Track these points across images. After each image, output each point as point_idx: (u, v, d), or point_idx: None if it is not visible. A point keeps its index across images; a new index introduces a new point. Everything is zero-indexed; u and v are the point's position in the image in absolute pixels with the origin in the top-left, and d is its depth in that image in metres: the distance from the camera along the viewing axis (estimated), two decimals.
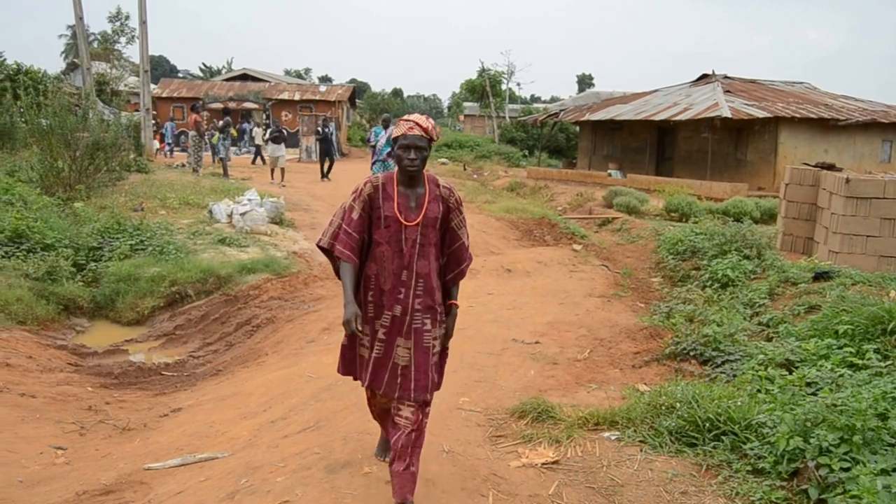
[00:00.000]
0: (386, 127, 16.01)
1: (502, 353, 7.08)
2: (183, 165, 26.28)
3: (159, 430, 6.36)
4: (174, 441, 5.89)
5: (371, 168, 15.44)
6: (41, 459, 5.68)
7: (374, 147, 16.42)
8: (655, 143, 30.26)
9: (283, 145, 23.34)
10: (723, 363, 6.70)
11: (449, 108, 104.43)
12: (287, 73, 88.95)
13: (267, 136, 22.83)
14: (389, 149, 15.04)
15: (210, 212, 14.97)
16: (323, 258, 13.00)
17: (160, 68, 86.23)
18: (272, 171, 23.43)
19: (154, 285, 10.75)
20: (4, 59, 31.55)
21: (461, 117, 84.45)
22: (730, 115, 23.54)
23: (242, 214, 14.17)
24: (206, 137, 24.69)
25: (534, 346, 7.42)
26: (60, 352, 8.68)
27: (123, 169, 19.69)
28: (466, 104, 77.47)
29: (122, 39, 44.76)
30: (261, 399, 6.56)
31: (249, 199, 14.88)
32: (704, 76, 31.81)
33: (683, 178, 25.42)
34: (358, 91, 67.98)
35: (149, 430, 6.41)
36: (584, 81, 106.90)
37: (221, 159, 24.47)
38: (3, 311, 9.20)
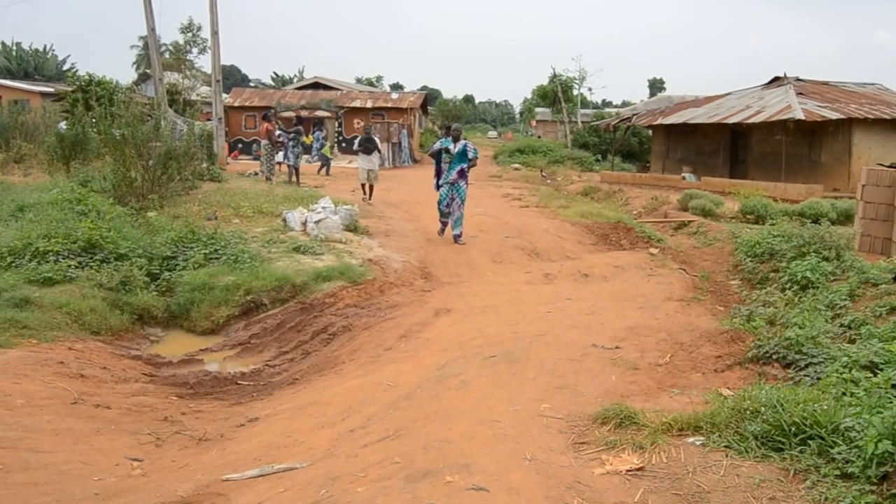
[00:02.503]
0: (455, 139, 15.11)
1: (583, 359, 6.99)
2: (255, 174, 26.85)
3: (236, 441, 6.43)
4: (251, 451, 5.95)
5: (436, 188, 15.33)
6: (117, 471, 5.75)
7: (435, 158, 15.45)
8: (729, 146, 30.02)
9: (376, 155, 20.68)
10: (806, 366, 6.59)
11: (521, 113, 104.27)
12: (358, 81, 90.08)
13: (355, 145, 20.86)
14: (461, 166, 14.93)
15: (284, 220, 15.23)
16: (398, 265, 13.10)
17: (231, 78, 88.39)
18: (364, 186, 20.61)
19: (229, 294, 10.94)
20: (76, 71, 32.74)
21: (533, 123, 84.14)
22: (803, 118, 23.54)
23: (317, 222, 14.36)
24: (289, 147, 25.02)
25: (614, 351, 7.31)
26: (135, 362, 8.84)
27: (196, 178, 20.15)
28: (538, 109, 77.14)
29: (194, 49, 45.90)
30: (339, 408, 6.60)
31: (324, 207, 15.07)
32: (776, 79, 31.22)
33: (758, 180, 25.20)
34: (429, 98, 68.39)
35: (225, 441, 6.48)
36: (656, 85, 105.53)
37: (290, 166, 24.91)
38: (77, 322, 9.44)
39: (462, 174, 15.03)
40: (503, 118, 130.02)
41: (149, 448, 6.31)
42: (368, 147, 20.24)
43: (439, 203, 15.35)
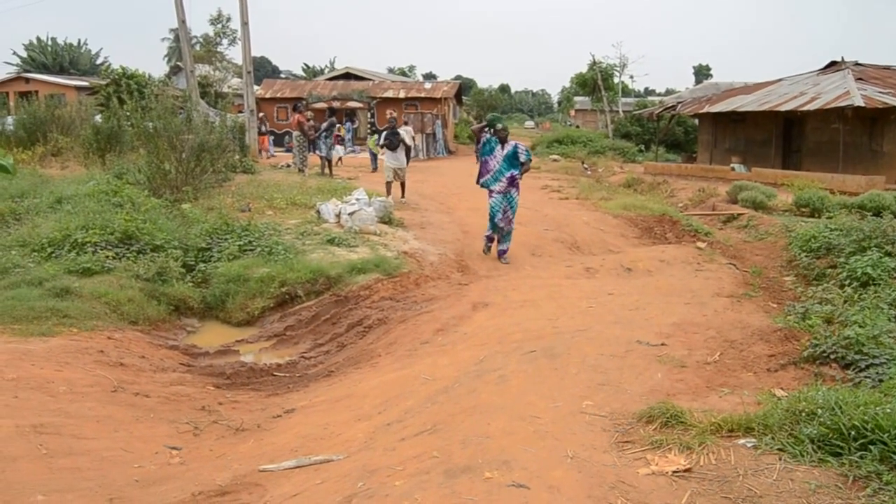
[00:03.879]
0: (502, 140, 13.13)
1: (626, 356, 6.95)
2: (288, 166, 27.05)
3: (273, 432, 6.51)
4: (288, 442, 6.02)
5: (481, 185, 13.40)
6: (156, 459, 5.89)
7: (479, 152, 13.67)
8: (781, 135, 29.27)
9: (401, 150, 19.20)
10: (867, 367, 6.39)
11: (559, 102, 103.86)
12: (390, 71, 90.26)
13: (380, 140, 19.54)
14: (511, 172, 13.09)
15: (318, 212, 15.36)
16: (434, 258, 13.15)
17: (262, 69, 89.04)
18: (389, 186, 18.85)
19: (263, 286, 11.07)
20: (110, 65, 33.24)
21: (572, 112, 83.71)
22: (863, 104, 22.71)
23: (351, 214, 14.48)
24: (322, 138, 25.15)
25: (659, 347, 7.25)
26: (172, 352, 9.02)
27: (229, 170, 20.39)
28: (577, 98, 76.69)
29: (224, 41, 46.34)
30: (375, 401, 6.64)
31: (357, 199, 15.17)
32: (833, 63, 30.50)
33: (813, 171, 24.57)
34: (464, 87, 68.35)
35: (262, 431, 6.58)
36: (701, 72, 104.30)
37: (323, 158, 25.06)
38: (115, 312, 9.64)
39: (513, 182, 13.20)
40: (540, 108, 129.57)
41: (187, 437, 6.43)
42: (393, 142, 18.97)
43: (492, 215, 13.41)
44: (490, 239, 13.81)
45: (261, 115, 37.29)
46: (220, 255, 12.05)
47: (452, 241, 14.64)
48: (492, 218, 13.40)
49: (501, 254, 13.53)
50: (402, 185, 19.06)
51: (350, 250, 12.92)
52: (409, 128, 35.45)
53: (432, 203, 19.10)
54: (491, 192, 13.24)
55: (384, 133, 19.47)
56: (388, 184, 18.81)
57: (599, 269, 12.36)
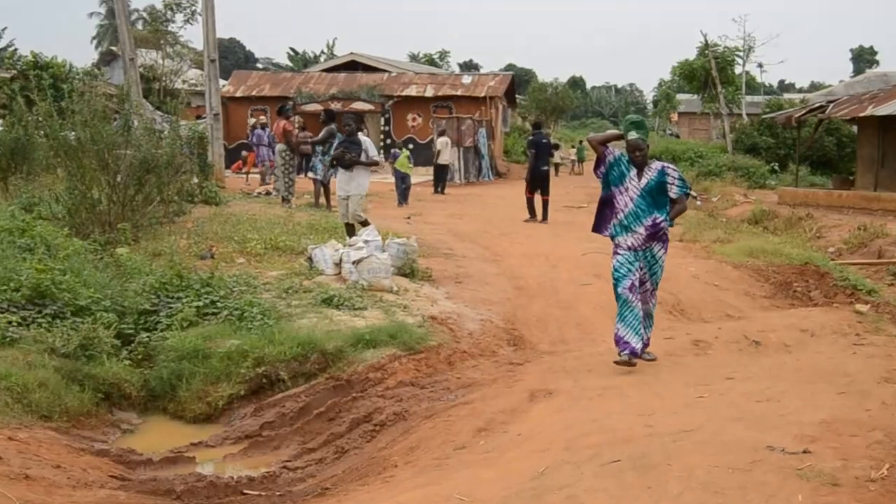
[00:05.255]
0: (639, 161, 11.03)
1: (752, 468, 6.92)
2: (268, 193, 27.36)
3: None
4: None
5: (601, 231, 11.49)
6: None
7: (603, 179, 11.34)
8: None
9: (362, 172, 17.72)
10: None
11: (655, 103, 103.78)
12: (413, 58, 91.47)
13: (318, 153, 19.64)
14: (654, 216, 10.96)
15: (309, 259, 15.55)
16: (475, 325, 13.20)
17: (231, 56, 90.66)
18: (349, 229, 17.76)
19: (231, 365, 11.16)
20: (15, 50, 33.85)
21: (673, 116, 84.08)
22: None
23: (356, 263, 14.61)
24: (317, 155, 25.42)
25: (801, 456, 7.21)
26: (100, 459, 9.00)
27: (184, 199, 20.62)
28: (681, 97, 77.08)
29: (178, 18, 47.03)
30: None
31: (366, 241, 15.31)
32: None
33: None
34: (518, 82, 68.81)
35: None
36: (863, 58, 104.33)
37: (318, 182, 25.29)
38: (20, 402, 9.60)
39: (657, 232, 11.11)
40: (627, 110, 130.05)
41: None
42: (345, 157, 17.56)
43: (617, 279, 11.22)
44: (623, 343, 11.00)
45: (258, 120, 37.44)
46: (171, 321, 12.15)
47: (500, 301, 14.71)
48: (615, 282, 11.22)
49: (636, 353, 11.07)
50: (349, 225, 17.82)
51: (355, 314, 13.04)
52: (446, 139, 35.95)
53: (472, 247, 19.24)
54: (618, 246, 11.22)
55: (339, 140, 18.45)
56: (347, 226, 17.83)
57: (713, 342, 12.32)
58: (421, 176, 36.18)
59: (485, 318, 13.64)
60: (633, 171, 11.10)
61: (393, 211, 25.71)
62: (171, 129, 19.83)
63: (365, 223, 17.36)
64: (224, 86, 43.36)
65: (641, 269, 11.18)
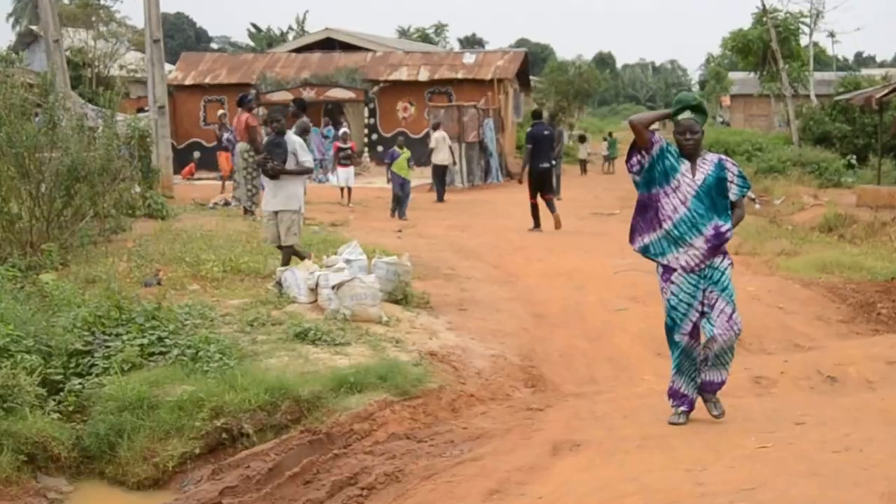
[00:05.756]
0: (689, 148, 10.28)
1: None
2: (226, 204, 27.38)
3: None
4: None
5: (649, 250, 10.42)
6: None
7: (641, 177, 10.62)
8: None
9: (295, 182, 16.78)
10: None
11: (702, 84, 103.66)
12: (403, 34, 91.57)
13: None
14: (714, 222, 10.21)
15: (279, 284, 15.58)
16: (484, 362, 13.22)
17: (180, 36, 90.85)
18: (287, 255, 16.95)
19: (184, 417, 11.13)
20: None
21: (725, 100, 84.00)
22: None
23: (337, 288, 14.61)
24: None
25: None
26: None
27: (124, 213, 20.61)
28: (734, 76, 77.07)
29: None
30: None
31: (348, 261, 15.32)
32: None
33: None
34: (533, 61, 68.87)
35: None
36: None
37: None
38: None
39: (721, 241, 10.38)
40: (667, 93, 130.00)
41: None
42: (270, 163, 16.71)
43: (673, 319, 10.52)
44: (680, 397, 10.61)
45: (220, 113, 37.50)
46: (109, 364, 12.11)
47: (515, 331, 14.74)
48: (670, 330, 10.56)
49: (707, 390, 10.56)
50: (287, 253, 16.99)
51: (336, 351, 13.05)
52: (442, 133, 35.92)
53: (479, 266, 19.27)
54: (667, 269, 10.43)
55: (266, 142, 17.75)
56: (287, 253, 17.04)
57: (779, 378, 12.34)
58: (416, 179, 36.17)
59: (496, 354, 13.66)
60: (686, 165, 10.33)
61: (381, 223, 25.74)
62: (106, 127, 19.79)
63: (300, 255, 16.82)
64: (171, 72, 43.34)
65: (709, 292, 10.24)
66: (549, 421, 11.20)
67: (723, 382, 10.55)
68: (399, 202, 29.86)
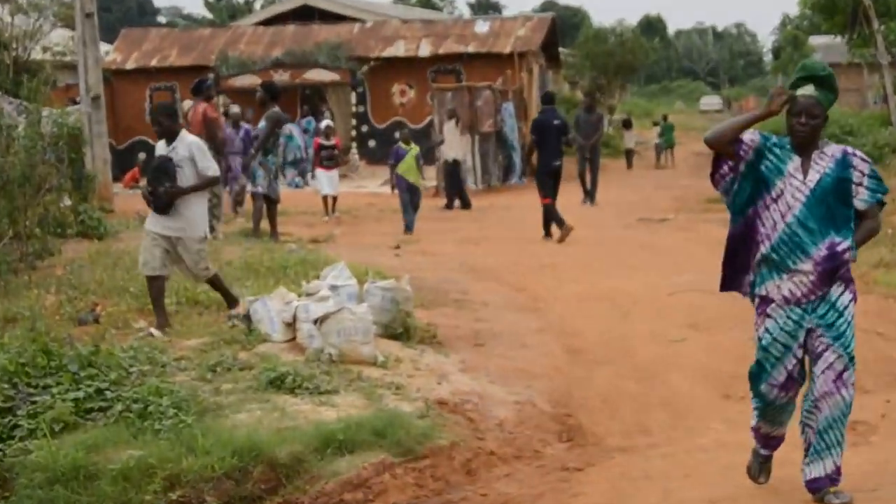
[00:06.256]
0: (804, 137, 8.64)
1: None
2: None
3: None
4: None
5: (736, 288, 9.88)
6: None
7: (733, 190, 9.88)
8: None
9: (194, 204, 15.74)
10: None
11: (776, 52, 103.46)
12: None
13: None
14: (830, 239, 9.27)
15: (247, 318, 15.43)
16: (507, 411, 13.15)
17: (119, 8, 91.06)
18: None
19: (131, 489, 11.04)
20: None
21: None
22: None
23: (320, 321, 14.49)
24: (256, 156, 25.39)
25: None
26: None
27: (51, 233, 20.58)
28: (815, 41, 77.12)
29: None
30: None
31: (333, 287, 15.26)
32: None
33: None
34: (563, 27, 68.85)
35: None
36: None
37: (258, 197, 25.21)
38: None
39: (836, 264, 9.42)
40: (732, 66, 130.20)
41: None
42: (158, 190, 16.02)
43: (761, 365, 9.61)
44: (768, 448, 10.05)
45: (229, 107, 37.06)
46: (36, 425, 12.06)
47: (545, 371, 14.69)
48: (756, 378, 9.70)
49: (815, 489, 9.52)
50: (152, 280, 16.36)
51: (320, 402, 12.90)
52: (452, 123, 35.84)
53: (498, 290, 19.24)
54: (764, 300, 9.57)
55: (154, 162, 16.78)
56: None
57: (879, 424, 12.35)
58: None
59: (522, 400, 13.59)
60: (795, 163, 9.39)
61: (374, 237, 25.70)
62: (29, 125, 19.83)
63: (229, 296, 16.50)
64: (108, 53, 43.49)
65: (816, 336, 9.28)
66: (590, 483, 11.15)
67: (835, 475, 9.34)
68: (408, 215, 29.30)
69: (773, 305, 9.27)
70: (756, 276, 9.45)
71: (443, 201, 35.28)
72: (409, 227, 28.98)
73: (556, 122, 27.59)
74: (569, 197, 33.71)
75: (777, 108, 9.14)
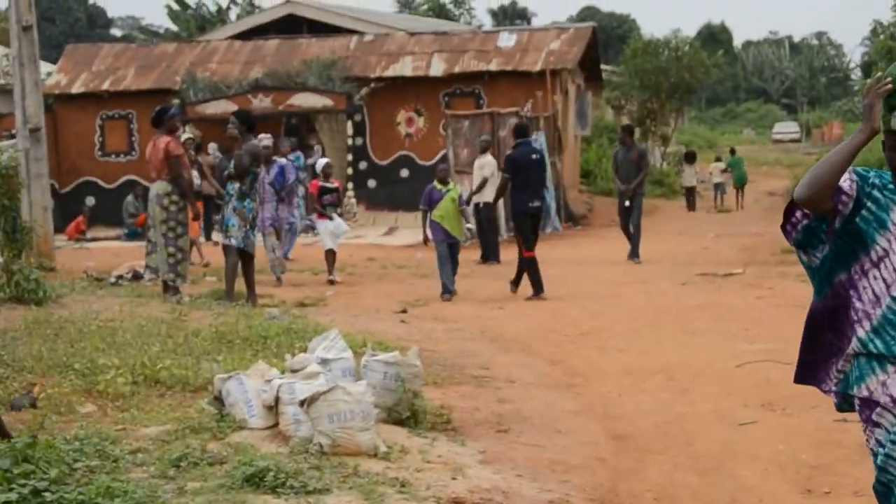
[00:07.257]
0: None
1: None
2: (135, 277, 27.41)
3: None
4: None
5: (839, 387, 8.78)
6: None
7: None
8: None
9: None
10: None
11: (866, 67, 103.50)
12: (406, 6, 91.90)
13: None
14: None
15: (218, 400, 15.40)
16: None
17: (64, 19, 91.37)
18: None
19: None
20: None
21: None
22: None
23: (308, 403, 14.47)
24: (231, 196, 25.39)
25: None
26: None
27: None
28: None
29: None
30: None
31: (324, 361, 15.24)
32: None
33: None
34: (605, 39, 69.00)
35: None
36: None
37: (231, 251, 25.19)
38: None
39: None
40: (812, 84, 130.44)
41: None
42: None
43: (879, 474, 8.62)
44: None
45: (186, 136, 36.87)
46: None
47: (584, 463, 14.66)
48: (884, 498, 8.80)
49: None
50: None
51: (309, 502, 12.90)
52: (488, 158, 35.83)
53: (527, 362, 19.26)
54: (867, 403, 8.49)
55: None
56: None
57: None
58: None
59: (557, 498, 13.53)
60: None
61: (373, 299, 25.69)
62: None
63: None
64: (50, 74, 43.62)
65: None
66: None
67: None
68: (445, 267, 27.97)
69: (880, 409, 8.05)
70: (851, 370, 8.22)
71: (473, 254, 35.23)
72: (446, 290, 27.92)
73: (534, 156, 28.18)
74: (616, 248, 33.79)
75: (876, 112, 7.45)
